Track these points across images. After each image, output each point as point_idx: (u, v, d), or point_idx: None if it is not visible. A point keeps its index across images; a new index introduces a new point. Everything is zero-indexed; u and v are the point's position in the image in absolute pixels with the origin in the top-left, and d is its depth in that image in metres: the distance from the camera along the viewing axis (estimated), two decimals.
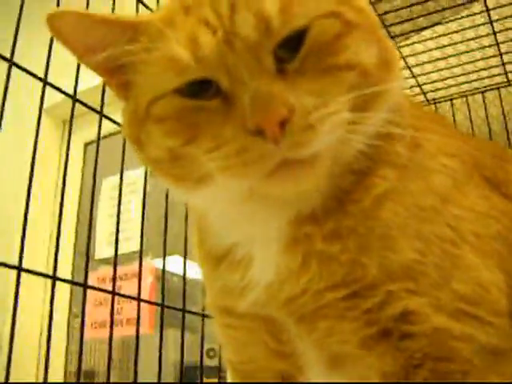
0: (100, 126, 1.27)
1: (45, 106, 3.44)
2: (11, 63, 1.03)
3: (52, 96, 3.15)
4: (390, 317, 0.72)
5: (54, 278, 1.14)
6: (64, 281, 1.22)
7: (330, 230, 0.75)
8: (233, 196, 0.76)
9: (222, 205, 0.81)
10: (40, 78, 1.09)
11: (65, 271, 2.97)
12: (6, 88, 1.03)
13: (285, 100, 0.64)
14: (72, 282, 1.28)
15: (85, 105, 1.21)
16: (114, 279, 1.44)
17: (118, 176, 2.73)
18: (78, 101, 1.18)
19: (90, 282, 1.23)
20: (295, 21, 0.69)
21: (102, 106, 1.26)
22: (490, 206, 0.81)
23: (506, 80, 2.15)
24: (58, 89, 1.14)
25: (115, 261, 1.38)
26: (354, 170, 0.76)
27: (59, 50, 0.95)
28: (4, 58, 1.03)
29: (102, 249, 3.02)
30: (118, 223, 1.37)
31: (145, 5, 1.46)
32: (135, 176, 2.87)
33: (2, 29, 2.06)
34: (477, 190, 0.82)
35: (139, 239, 2.84)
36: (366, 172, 0.76)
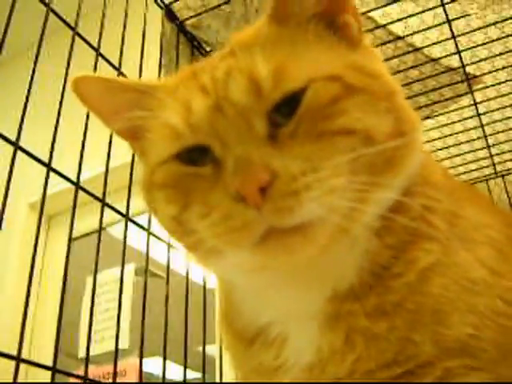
0: (102, 215, 1.23)
1: (30, 201, 3.43)
2: (17, 147, 1.00)
3: (37, 191, 3.13)
4: None
5: (54, 370, 1.09)
6: (64, 373, 1.16)
7: (372, 306, 0.69)
8: (243, 267, 0.73)
9: (242, 277, 0.78)
10: (44, 163, 1.06)
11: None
12: (11, 172, 0.99)
13: (266, 164, 0.62)
14: (72, 375, 1.22)
15: (88, 192, 1.18)
16: None
17: (103, 273, 2.72)
18: (81, 188, 1.14)
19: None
20: (288, 84, 0.67)
21: (104, 195, 1.23)
22: None
23: (493, 172, 2.17)
24: (62, 175, 1.10)
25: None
26: (389, 244, 0.72)
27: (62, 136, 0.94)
28: (10, 142, 1.00)
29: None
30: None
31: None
32: (119, 273, 2.82)
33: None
34: None
35: (124, 337, 2.77)
36: (404, 247, 0.72)
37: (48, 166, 1.06)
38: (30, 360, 1.03)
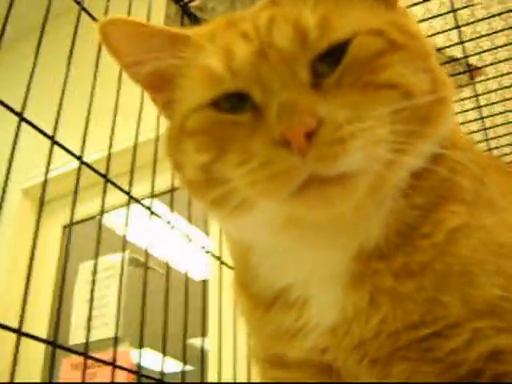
0: (104, 195, 1.20)
1: (23, 186, 3.41)
2: (21, 118, 0.98)
3: (30, 178, 3.12)
4: (478, 356, 0.65)
5: (55, 345, 1.08)
6: (64, 348, 1.14)
7: (399, 265, 0.68)
8: (272, 223, 0.70)
9: (267, 236, 0.75)
10: (49, 136, 1.04)
11: (38, 356, 2.87)
12: (15, 143, 0.98)
13: (313, 110, 0.61)
14: (72, 351, 1.21)
15: (91, 168, 1.16)
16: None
17: (95, 260, 2.70)
18: (84, 163, 1.13)
19: (63, 369, 1.16)
20: (334, 35, 0.66)
21: (107, 172, 1.21)
22: None
23: None
24: (66, 148, 1.08)
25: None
26: (417, 204, 0.71)
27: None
28: (15, 112, 0.98)
29: (78, 334, 2.91)
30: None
31: None
32: (113, 261, 2.81)
33: None
34: None
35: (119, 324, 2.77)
36: (432, 207, 0.71)
37: (52, 140, 1.04)
38: (30, 334, 1.01)
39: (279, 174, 0.61)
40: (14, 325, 0.96)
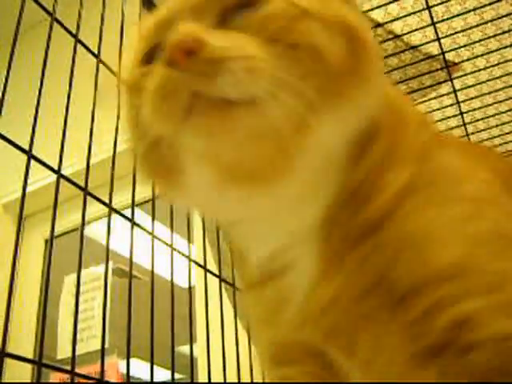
0: (84, 208, 1.18)
1: (3, 201, 3.38)
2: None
3: (9, 192, 3.08)
4: (444, 324, 0.61)
5: (40, 364, 1.06)
6: (50, 367, 1.13)
7: (355, 228, 0.67)
8: (207, 184, 0.69)
9: (214, 203, 0.74)
10: (25, 151, 1.02)
11: (25, 373, 2.84)
12: None
13: (197, 35, 0.63)
14: (59, 369, 1.19)
15: (70, 181, 1.14)
16: None
17: (79, 272, 2.68)
18: (62, 176, 1.11)
19: None
20: None
21: (86, 184, 1.19)
22: None
23: None
24: (43, 163, 1.07)
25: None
26: (362, 169, 0.70)
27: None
28: None
29: (64, 348, 2.89)
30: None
31: None
32: (98, 272, 2.80)
33: None
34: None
35: (106, 337, 2.74)
36: (377, 170, 0.70)
37: (29, 153, 1.02)
38: (14, 354, 0.99)
39: (167, 93, 0.63)
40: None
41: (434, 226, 0.65)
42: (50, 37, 1.07)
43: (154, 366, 1.33)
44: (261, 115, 0.62)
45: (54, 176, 1.11)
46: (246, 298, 0.82)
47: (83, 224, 1.16)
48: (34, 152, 1.04)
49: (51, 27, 1.09)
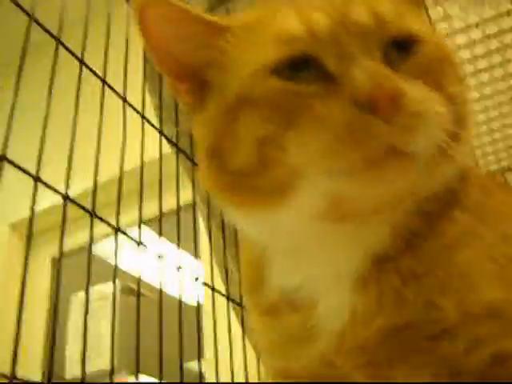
0: (92, 230, 1.19)
1: (11, 221, 3.38)
2: (4, 158, 0.97)
3: (17, 211, 3.09)
4: (479, 361, 0.65)
5: None
6: None
7: (404, 269, 0.68)
8: (311, 210, 0.67)
9: (292, 232, 0.71)
10: (32, 176, 1.02)
11: None
12: None
13: (396, 82, 0.60)
14: None
15: (77, 204, 1.14)
16: None
17: (88, 291, 2.68)
18: (70, 199, 1.11)
19: None
20: (407, 26, 0.68)
21: (93, 205, 1.19)
22: None
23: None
24: (50, 187, 1.07)
25: None
26: (424, 210, 0.70)
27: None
28: None
29: (73, 367, 2.89)
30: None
31: None
32: (105, 290, 2.79)
33: None
34: None
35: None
36: (437, 214, 0.71)
37: (36, 179, 1.03)
38: (24, 380, 0.99)
39: (360, 139, 0.58)
40: (6, 364, 0.94)
41: (479, 267, 0.68)
42: (55, 61, 1.07)
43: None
44: (413, 170, 0.62)
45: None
46: (257, 322, 0.81)
47: (91, 244, 1.17)
48: (41, 174, 1.04)
49: (56, 52, 1.10)
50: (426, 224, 0.70)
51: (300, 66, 0.65)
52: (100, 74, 1.24)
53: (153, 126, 1.45)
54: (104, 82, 1.25)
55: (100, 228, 1.22)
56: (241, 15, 0.76)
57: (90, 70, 1.21)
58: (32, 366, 2.93)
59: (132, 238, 1.28)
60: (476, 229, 0.70)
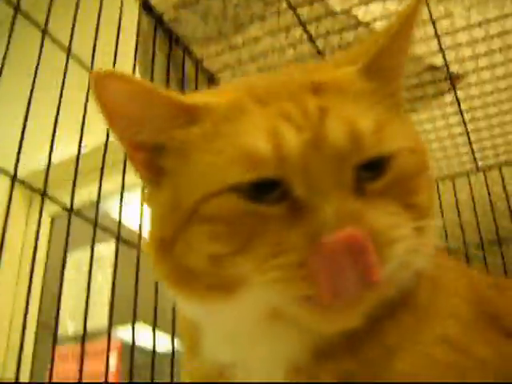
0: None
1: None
2: None
3: (21, 168, 3.10)
4: None
5: None
6: None
7: (342, 372, 0.68)
8: (256, 311, 0.67)
9: (239, 321, 0.71)
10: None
11: (27, 346, 2.89)
12: None
13: (365, 220, 0.59)
14: None
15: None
16: None
17: (84, 250, 2.71)
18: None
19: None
20: (385, 146, 0.66)
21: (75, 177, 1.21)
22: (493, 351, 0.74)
23: (475, 167, 2.19)
24: None
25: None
26: (369, 313, 0.68)
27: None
28: None
29: (66, 325, 2.94)
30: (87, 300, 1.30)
31: None
32: (101, 250, 2.82)
33: None
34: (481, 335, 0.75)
35: (105, 315, 2.78)
36: (380, 315, 0.69)
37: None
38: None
39: (312, 285, 0.59)
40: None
41: (417, 372, 0.68)
42: (40, 53, 1.07)
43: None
44: (376, 299, 0.65)
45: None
46: (185, 364, 0.82)
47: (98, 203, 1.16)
48: None
49: (43, 40, 1.10)
50: (370, 324, 0.68)
51: (265, 187, 0.63)
52: (88, 60, 1.24)
53: None
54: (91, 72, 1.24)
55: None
56: (212, 102, 0.71)
57: (90, 70, 1.20)
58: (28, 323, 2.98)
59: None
60: (417, 331, 0.70)
